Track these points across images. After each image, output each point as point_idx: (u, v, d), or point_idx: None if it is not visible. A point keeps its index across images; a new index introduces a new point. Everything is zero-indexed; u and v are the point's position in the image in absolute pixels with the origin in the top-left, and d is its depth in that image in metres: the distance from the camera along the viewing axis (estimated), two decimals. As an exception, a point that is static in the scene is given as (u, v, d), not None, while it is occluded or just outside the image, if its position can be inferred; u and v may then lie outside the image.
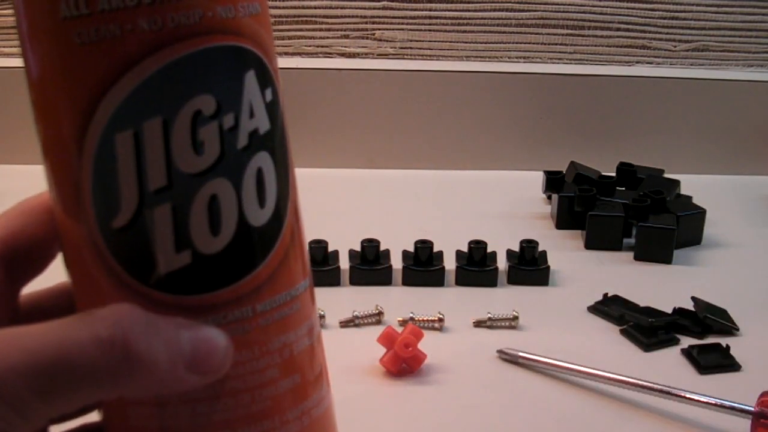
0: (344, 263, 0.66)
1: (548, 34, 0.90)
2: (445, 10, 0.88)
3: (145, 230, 0.26)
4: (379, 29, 0.89)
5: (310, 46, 0.89)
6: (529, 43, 0.90)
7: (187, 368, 0.26)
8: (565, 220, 0.77)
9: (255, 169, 0.27)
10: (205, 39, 0.26)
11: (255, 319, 0.28)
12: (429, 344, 0.55)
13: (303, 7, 0.88)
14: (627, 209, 0.73)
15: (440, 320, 0.60)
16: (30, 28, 0.26)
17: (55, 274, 0.30)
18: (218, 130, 0.26)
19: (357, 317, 0.61)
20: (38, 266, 0.30)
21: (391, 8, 0.88)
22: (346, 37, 0.89)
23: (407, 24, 0.89)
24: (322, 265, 0.65)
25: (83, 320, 0.25)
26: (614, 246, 0.73)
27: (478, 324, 0.61)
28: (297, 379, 0.29)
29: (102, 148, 0.26)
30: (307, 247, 0.31)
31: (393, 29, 0.89)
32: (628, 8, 0.89)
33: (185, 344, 0.26)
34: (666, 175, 0.82)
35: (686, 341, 0.59)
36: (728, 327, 0.60)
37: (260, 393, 0.28)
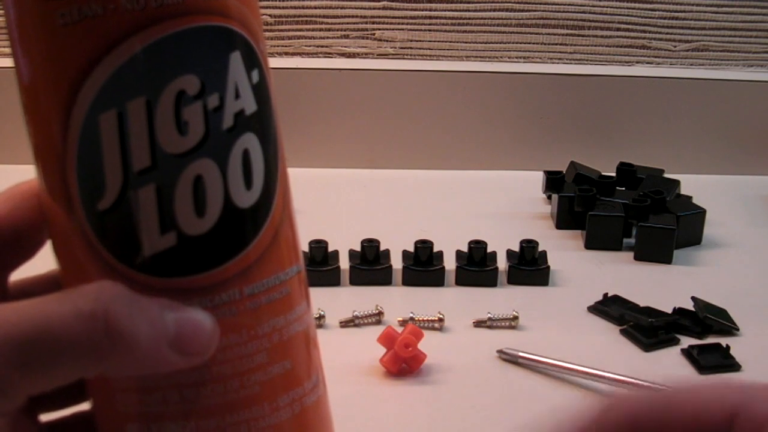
0: (344, 263, 0.66)
1: (548, 34, 0.90)
2: (445, 10, 0.88)
3: (130, 212, 0.26)
4: (379, 29, 0.89)
5: (310, 46, 0.89)
6: (529, 43, 0.90)
7: (171, 348, 0.26)
8: (565, 220, 0.77)
9: (241, 150, 0.27)
10: (188, 19, 0.26)
11: (243, 302, 0.28)
12: (429, 344, 0.55)
13: (303, 7, 0.88)
14: (627, 209, 0.73)
15: (440, 320, 0.60)
16: (15, 13, 0.26)
17: (44, 262, 0.30)
18: (203, 110, 0.26)
19: (357, 317, 0.61)
20: (26, 252, 0.30)
21: (391, 8, 0.88)
22: (346, 37, 0.89)
23: (407, 24, 0.89)
24: (322, 265, 0.65)
25: (65, 295, 0.25)
26: (614, 246, 0.73)
27: (478, 324, 0.61)
28: (287, 365, 0.29)
29: (86, 129, 0.26)
30: (297, 232, 0.31)
31: (393, 29, 0.89)
32: (628, 8, 0.89)
33: (169, 323, 0.26)
34: (666, 175, 0.82)
35: (686, 341, 0.59)
36: (728, 327, 0.61)
37: (249, 378, 0.28)
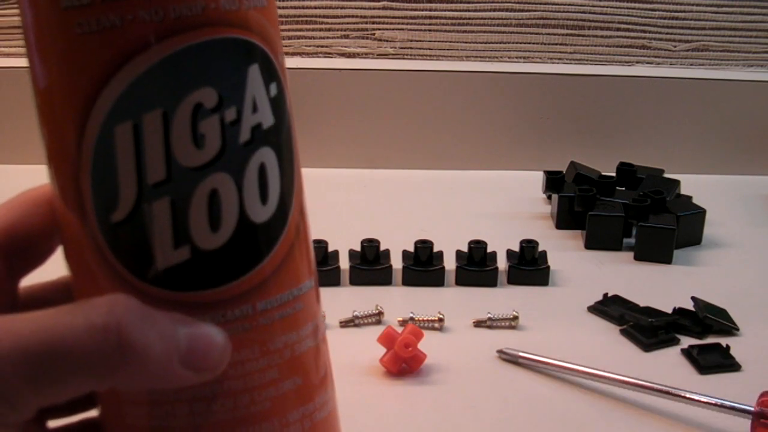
0: (344, 263, 0.66)
1: (548, 34, 0.90)
2: (445, 10, 0.88)
3: (144, 225, 0.26)
4: (379, 29, 0.89)
5: (310, 46, 0.89)
6: (529, 43, 0.90)
7: (182, 363, 0.25)
8: (565, 220, 0.77)
9: (257, 164, 0.27)
10: (207, 31, 0.26)
11: (255, 317, 0.28)
12: (429, 344, 0.55)
13: (303, 7, 0.88)
14: (627, 209, 0.73)
15: (440, 320, 0.60)
16: (32, 20, 0.26)
17: (55, 267, 0.30)
18: (219, 123, 0.26)
19: (357, 317, 0.61)
20: (38, 257, 0.30)
21: (391, 8, 0.88)
22: (346, 37, 0.89)
23: (407, 24, 0.89)
24: (322, 265, 0.65)
25: (77, 307, 0.25)
26: (614, 246, 0.73)
27: (478, 324, 0.61)
28: (299, 381, 0.29)
29: (101, 140, 0.26)
30: (312, 247, 0.31)
31: (393, 29, 0.89)
32: (628, 8, 0.89)
33: (181, 339, 0.26)
34: (666, 175, 0.82)
35: (686, 341, 0.59)
36: (728, 327, 0.60)
37: (260, 394, 0.28)
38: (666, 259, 0.71)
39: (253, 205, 0.27)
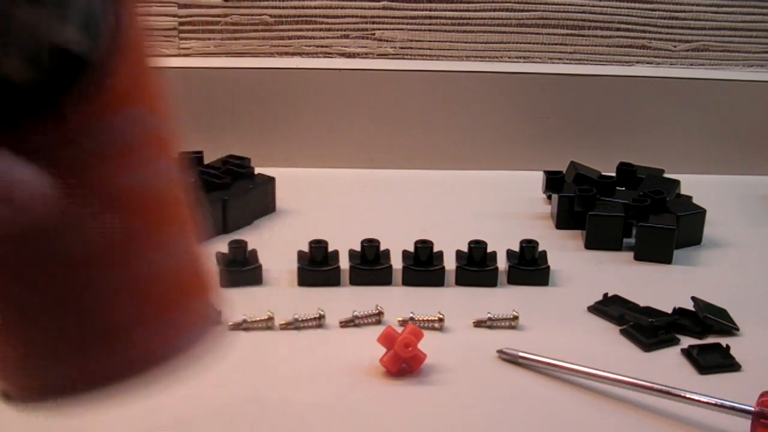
0: (344, 263, 0.66)
1: (548, 34, 0.90)
2: (445, 10, 0.88)
3: None
4: (379, 29, 0.89)
5: (310, 46, 0.89)
6: (529, 43, 0.90)
7: None
8: (565, 220, 0.77)
9: None
10: None
11: (67, 150, 0.25)
12: (429, 344, 0.55)
13: (303, 7, 0.88)
14: (627, 209, 0.73)
15: (440, 320, 0.60)
16: None
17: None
18: None
19: (357, 317, 0.61)
20: None
21: (391, 8, 0.88)
22: (346, 37, 0.89)
23: (407, 24, 0.89)
24: (322, 265, 0.65)
25: None
26: (614, 246, 0.73)
27: (478, 324, 0.61)
28: (135, 220, 0.27)
29: None
30: (154, 81, 0.28)
31: (393, 29, 0.89)
32: (628, 8, 0.89)
33: None
34: (666, 175, 0.82)
35: (686, 341, 0.59)
36: (728, 327, 0.61)
37: (82, 233, 0.26)
38: (666, 259, 0.71)
39: (50, 27, 0.24)
